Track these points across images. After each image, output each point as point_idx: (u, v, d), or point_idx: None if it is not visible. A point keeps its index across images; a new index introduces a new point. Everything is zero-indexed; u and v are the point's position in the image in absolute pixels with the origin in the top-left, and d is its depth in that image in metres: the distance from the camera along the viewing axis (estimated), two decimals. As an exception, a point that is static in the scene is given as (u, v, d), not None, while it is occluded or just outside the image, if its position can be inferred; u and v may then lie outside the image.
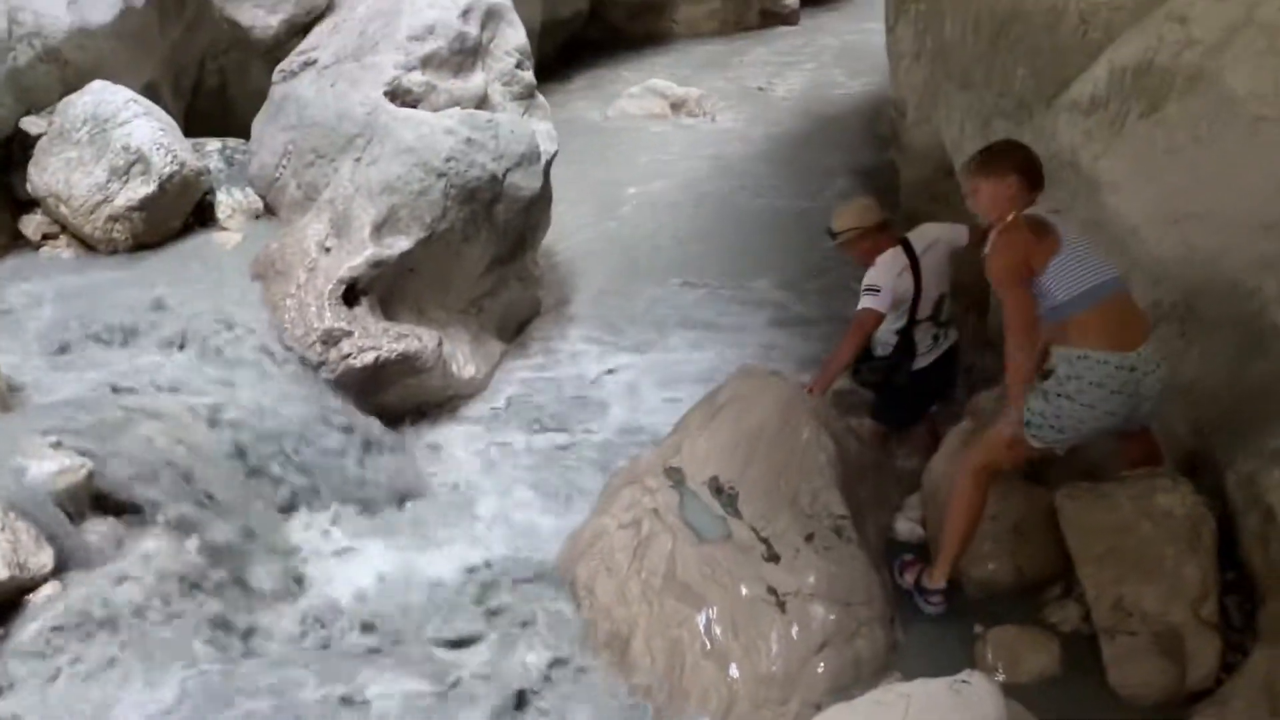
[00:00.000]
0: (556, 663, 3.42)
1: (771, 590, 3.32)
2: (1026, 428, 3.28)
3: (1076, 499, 3.39)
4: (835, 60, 12.49)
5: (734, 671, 3.21)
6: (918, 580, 3.56)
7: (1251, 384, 3.20)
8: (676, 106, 10.31)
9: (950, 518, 3.45)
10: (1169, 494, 3.26)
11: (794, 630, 3.23)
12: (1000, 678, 3.14)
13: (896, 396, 4.37)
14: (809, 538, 3.49)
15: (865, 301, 4.06)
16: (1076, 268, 3.19)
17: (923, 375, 4.27)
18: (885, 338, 4.19)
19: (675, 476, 3.73)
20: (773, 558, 3.42)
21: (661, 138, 9.69)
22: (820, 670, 3.18)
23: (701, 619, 3.30)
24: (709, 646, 3.25)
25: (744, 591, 3.33)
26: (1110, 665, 3.14)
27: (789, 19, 14.50)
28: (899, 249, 4.12)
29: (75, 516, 3.31)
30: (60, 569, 3.17)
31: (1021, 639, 3.30)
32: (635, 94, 10.45)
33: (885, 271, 4.07)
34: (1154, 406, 3.31)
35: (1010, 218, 3.25)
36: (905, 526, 3.94)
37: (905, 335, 4.16)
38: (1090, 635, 3.25)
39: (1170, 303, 3.55)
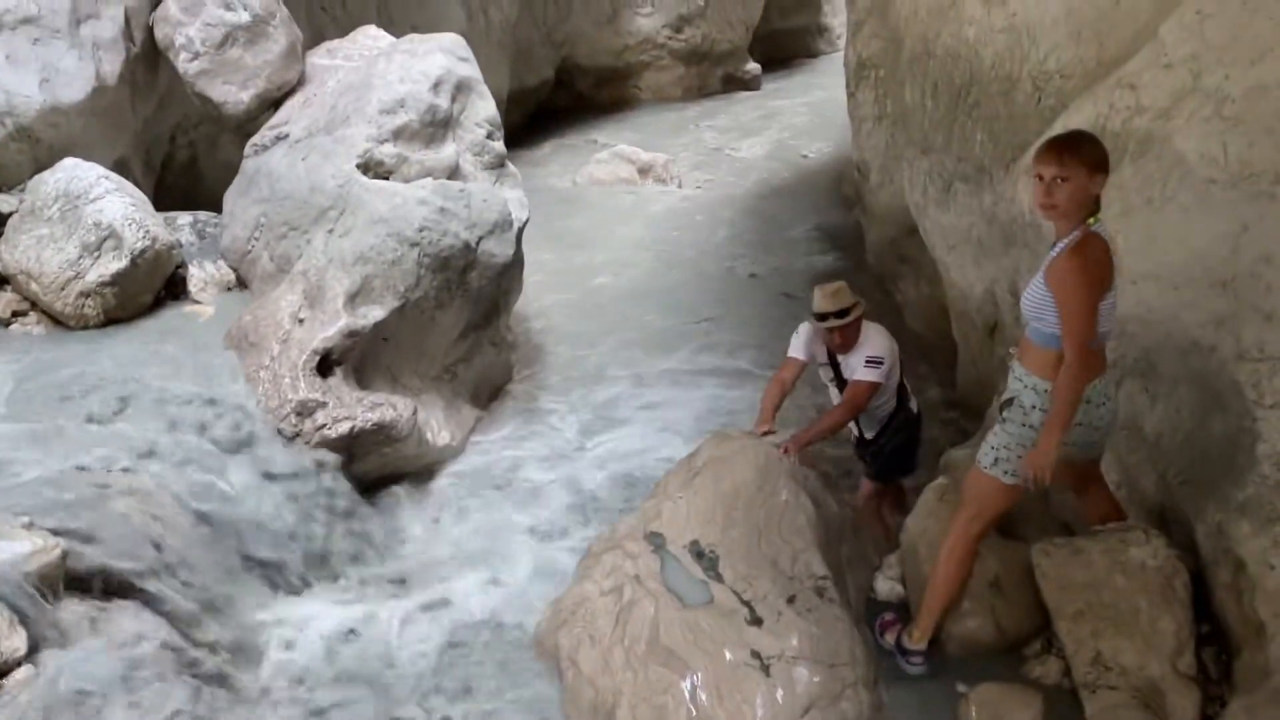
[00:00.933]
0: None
1: (755, 654, 3.30)
2: (994, 466, 3.30)
3: (1052, 554, 3.42)
4: (798, 123, 12.79)
5: (720, 738, 3.18)
6: (898, 640, 3.57)
7: (1215, 438, 3.26)
8: (644, 171, 10.49)
9: (939, 577, 3.45)
10: (1141, 547, 3.31)
11: (779, 694, 3.21)
12: (985, 736, 3.15)
13: (911, 444, 4.51)
14: (791, 599, 3.49)
15: (870, 374, 4.11)
16: (1111, 311, 3.11)
17: (919, 419, 4.48)
18: (885, 396, 4.28)
19: (656, 541, 3.73)
20: (755, 621, 3.41)
21: (630, 202, 9.83)
22: (806, 734, 3.17)
23: (686, 685, 3.28)
24: (694, 713, 3.22)
25: (728, 656, 3.31)
26: (1092, 720, 3.15)
27: (751, 84, 14.87)
28: (870, 321, 4.25)
29: (49, 597, 3.25)
30: (34, 651, 3.10)
31: (1004, 696, 3.29)
32: (603, 160, 10.62)
33: (885, 342, 4.18)
34: (1103, 439, 3.36)
35: (1091, 224, 3.01)
36: (885, 585, 3.95)
37: (901, 387, 4.35)
38: (1072, 690, 3.26)
39: (1133, 359, 3.63)
